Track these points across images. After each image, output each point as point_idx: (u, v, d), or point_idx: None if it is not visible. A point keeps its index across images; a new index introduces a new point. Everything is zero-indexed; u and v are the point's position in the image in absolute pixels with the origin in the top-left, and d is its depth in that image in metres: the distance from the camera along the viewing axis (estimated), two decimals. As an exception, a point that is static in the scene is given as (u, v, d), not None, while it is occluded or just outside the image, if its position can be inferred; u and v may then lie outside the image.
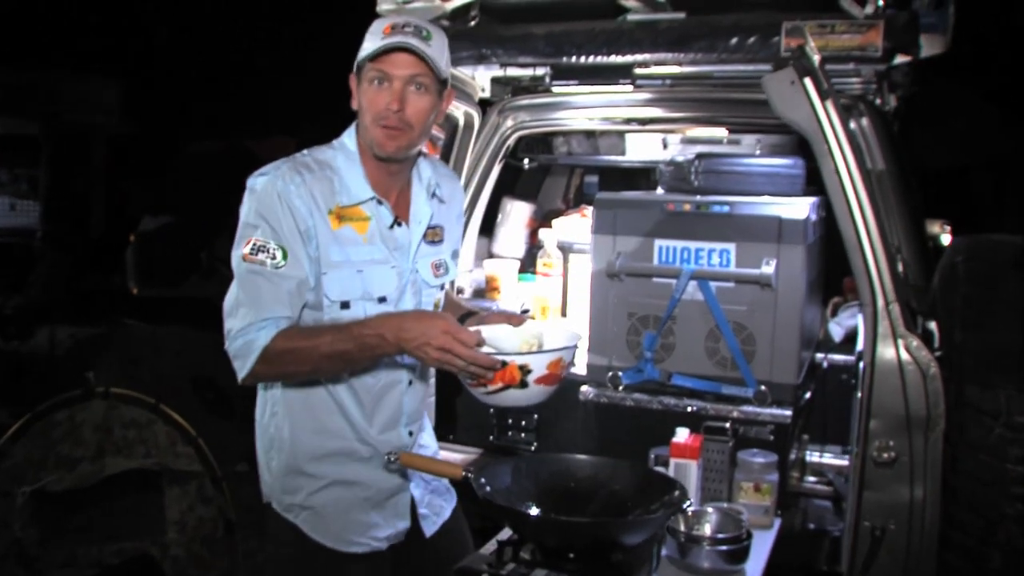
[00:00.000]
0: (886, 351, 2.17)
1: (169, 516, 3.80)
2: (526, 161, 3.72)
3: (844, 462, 2.83)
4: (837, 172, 2.17)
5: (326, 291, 1.94)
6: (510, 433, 2.90)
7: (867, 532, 2.23)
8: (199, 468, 3.82)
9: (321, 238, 1.93)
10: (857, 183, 2.16)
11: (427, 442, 2.23)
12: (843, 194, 2.17)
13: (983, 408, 2.09)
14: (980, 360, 2.15)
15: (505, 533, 1.92)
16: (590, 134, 3.57)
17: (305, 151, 2.02)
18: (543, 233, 3.40)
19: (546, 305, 3.28)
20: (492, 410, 1.97)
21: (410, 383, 2.09)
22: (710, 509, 2.12)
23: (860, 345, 2.36)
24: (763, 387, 2.50)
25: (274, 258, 1.88)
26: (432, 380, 2.24)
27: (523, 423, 2.88)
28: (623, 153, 3.57)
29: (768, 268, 2.44)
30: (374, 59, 1.91)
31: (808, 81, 2.20)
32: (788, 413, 2.45)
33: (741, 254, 2.50)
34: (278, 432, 2.05)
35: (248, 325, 1.86)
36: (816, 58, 2.25)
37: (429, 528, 2.17)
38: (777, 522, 2.34)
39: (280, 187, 1.91)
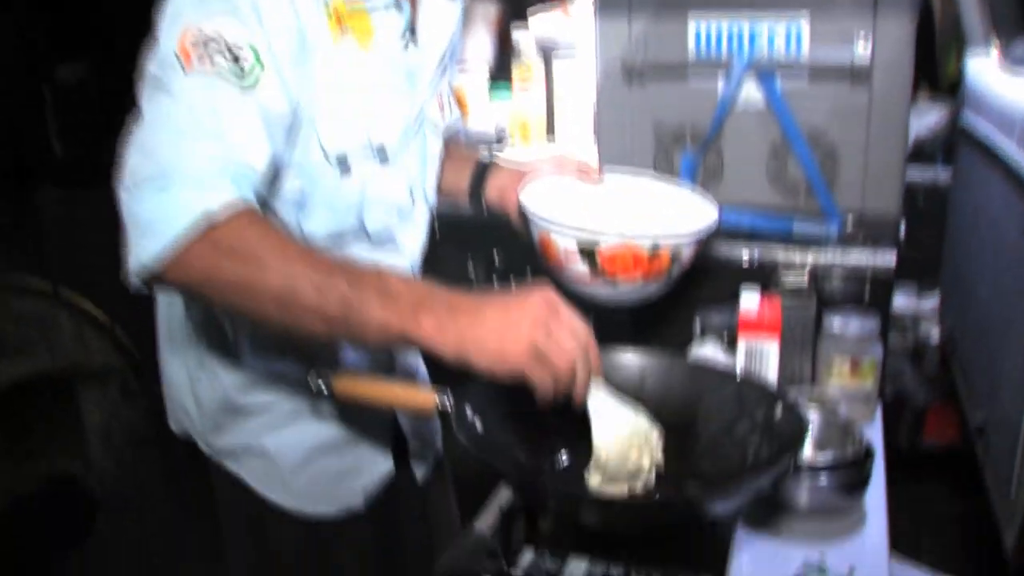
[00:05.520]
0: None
1: (89, 424, 3.15)
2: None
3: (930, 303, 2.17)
4: None
5: (321, 139, 1.18)
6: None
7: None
8: (117, 361, 3.14)
9: (322, 51, 1.15)
10: None
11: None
12: None
13: None
14: None
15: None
16: None
17: None
18: (518, 35, 2.66)
19: (526, 124, 2.59)
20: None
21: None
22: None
23: None
24: (852, 219, 1.77)
25: (240, 68, 1.04)
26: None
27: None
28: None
29: (863, 49, 1.66)
30: None
31: None
32: (891, 257, 1.72)
33: (818, 30, 1.70)
34: (208, 340, 1.33)
35: (193, 161, 1.01)
36: None
37: (422, 470, 1.52)
38: (879, 411, 1.66)
39: None
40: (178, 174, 0.99)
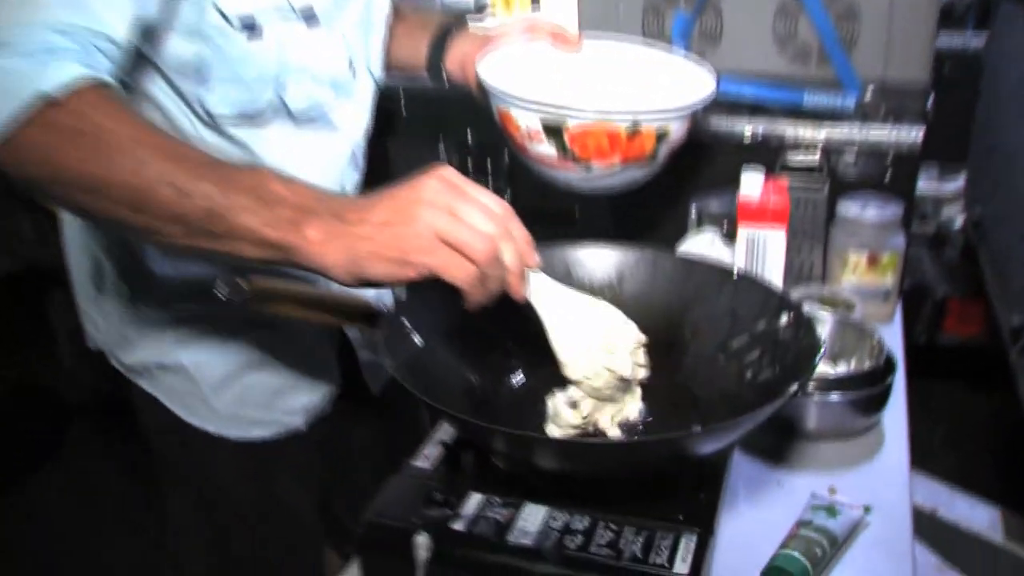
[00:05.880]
0: None
1: (57, 326, 3.01)
2: None
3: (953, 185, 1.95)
4: None
5: None
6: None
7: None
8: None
9: None
10: None
11: None
12: None
13: None
14: None
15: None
16: None
17: None
18: None
19: (509, -8, 2.31)
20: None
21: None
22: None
23: None
24: (872, 89, 1.54)
25: None
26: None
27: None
28: None
29: None
30: None
31: None
32: (918, 133, 1.49)
33: None
34: (109, 241, 1.13)
35: (34, 28, 0.79)
36: None
37: (379, 381, 1.34)
38: (899, 311, 1.47)
39: None
40: (10, 41, 0.78)
